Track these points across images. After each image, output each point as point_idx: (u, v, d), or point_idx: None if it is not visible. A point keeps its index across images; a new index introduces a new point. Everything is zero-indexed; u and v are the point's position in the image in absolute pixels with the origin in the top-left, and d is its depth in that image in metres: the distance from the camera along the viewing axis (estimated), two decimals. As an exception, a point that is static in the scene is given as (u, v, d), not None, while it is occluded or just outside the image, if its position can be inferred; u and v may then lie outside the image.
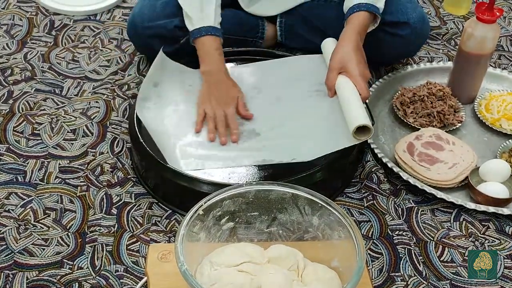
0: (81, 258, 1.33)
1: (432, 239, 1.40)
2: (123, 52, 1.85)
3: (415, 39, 1.72)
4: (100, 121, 1.64)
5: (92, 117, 1.65)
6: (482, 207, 1.43)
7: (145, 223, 1.40)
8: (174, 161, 1.44)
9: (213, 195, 1.10)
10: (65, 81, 1.76)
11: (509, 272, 1.35)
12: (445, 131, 1.60)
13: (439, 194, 1.45)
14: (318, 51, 1.67)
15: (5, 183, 1.48)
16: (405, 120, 1.64)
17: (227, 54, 1.72)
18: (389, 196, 1.49)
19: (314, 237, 1.14)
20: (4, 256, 1.32)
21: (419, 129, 1.60)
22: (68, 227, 1.39)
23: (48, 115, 1.65)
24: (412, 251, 1.38)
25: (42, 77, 1.76)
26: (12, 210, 1.42)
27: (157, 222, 1.41)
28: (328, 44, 1.62)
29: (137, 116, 1.51)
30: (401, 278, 1.33)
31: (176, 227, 1.39)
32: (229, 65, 1.70)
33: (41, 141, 1.58)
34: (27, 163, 1.52)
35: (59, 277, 1.29)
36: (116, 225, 1.40)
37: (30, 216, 1.40)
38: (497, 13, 1.57)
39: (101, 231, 1.38)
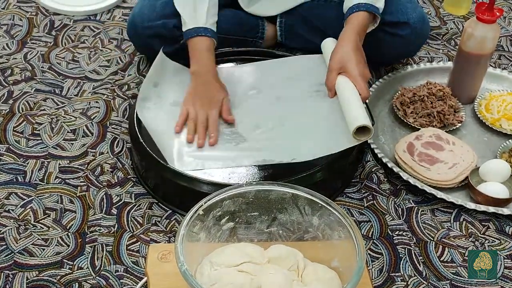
0: (81, 258, 1.33)
1: (432, 239, 1.40)
2: (123, 52, 1.85)
3: (415, 39, 1.72)
4: (100, 121, 1.64)
5: (92, 117, 1.65)
6: (482, 207, 1.43)
7: (145, 223, 1.40)
8: (174, 161, 1.44)
9: (213, 195, 1.10)
10: (65, 81, 1.76)
11: (509, 272, 1.35)
12: (445, 131, 1.60)
13: (439, 194, 1.45)
14: (318, 51, 1.67)
15: (5, 183, 1.48)
16: (405, 120, 1.64)
17: (227, 54, 1.72)
18: (389, 196, 1.49)
19: (314, 237, 1.14)
20: (4, 256, 1.32)
21: (419, 129, 1.60)
22: (68, 227, 1.39)
23: (48, 115, 1.65)
24: (412, 251, 1.38)
25: (42, 77, 1.76)
26: (12, 210, 1.42)
27: (157, 222, 1.41)
28: (328, 44, 1.62)
29: (137, 116, 1.51)
30: (401, 278, 1.32)
31: (176, 227, 1.39)
32: (229, 65, 1.70)
33: (41, 141, 1.58)
34: (27, 163, 1.52)
35: (59, 277, 1.29)
36: (116, 225, 1.40)
37: (30, 216, 1.40)
38: (497, 13, 1.57)
39: (101, 231, 1.38)
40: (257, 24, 1.82)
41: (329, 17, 1.74)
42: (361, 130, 1.39)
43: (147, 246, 1.35)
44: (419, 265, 1.35)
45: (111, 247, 1.35)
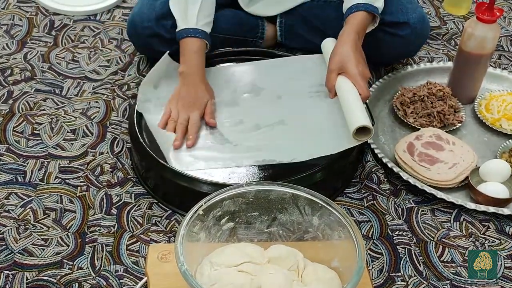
0: (81, 258, 1.33)
1: (432, 239, 1.40)
2: (123, 52, 1.85)
3: (415, 39, 1.72)
4: (100, 121, 1.64)
5: (92, 117, 1.65)
6: (482, 207, 1.43)
7: (145, 223, 1.40)
8: (174, 161, 1.44)
9: (213, 195, 1.10)
10: (65, 81, 1.76)
11: (509, 272, 1.35)
12: (445, 131, 1.60)
13: (439, 194, 1.45)
14: (318, 51, 1.67)
15: (5, 183, 1.48)
16: (405, 120, 1.64)
17: (227, 54, 1.72)
18: (389, 196, 1.49)
19: (314, 237, 1.14)
20: (4, 256, 1.32)
21: (419, 129, 1.60)
22: (68, 227, 1.39)
23: (48, 115, 1.65)
24: (412, 251, 1.37)
25: (42, 77, 1.76)
26: (12, 210, 1.41)
27: (157, 222, 1.41)
28: (328, 44, 1.62)
29: (137, 116, 1.51)
30: (401, 278, 1.32)
31: (176, 227, 1.39)
32: (229, 65, 1.70)
33: (41, 141, 1.58)
34: (27, 163, 1.52)
35: (59, 277, 1.29)
36: (116, 225, 1.40)
37: (30, 216, 1.40)
38: (497, 13, 1.57)
39: (101, 231, 1.38)
40: (257, 24, 1.82)
41: (329, 17, 1.74)
42: (361, 130, 1.39)
43: (147, 246, 1.35)
44: (419, 265, 1.35)
45: (111, 247, 1.35)
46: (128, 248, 1.35)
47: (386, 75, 1.75)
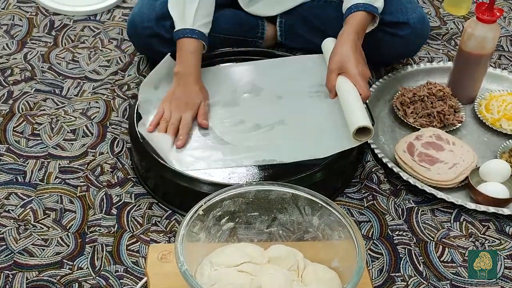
0: (81, 259, 1.33)
1: (432, 239, 1.40)
2: (123, 52, 1.85)
3: (415, 39, 1.72)
4: (100, 121, 1.64)
5: (92, 117, 1.65)
6: (482, 207, 1.43)
7: (145, 223, 1.40)
8: (174, 161, 1.44)
9: (213, 195, 1.10)
10: (65, 81, 1.76)
11: (509, 272, 1.34)
12: (445, 131, 1.60)
13: (439, 194, 1.45)
14: (318, 51, 1.67)
15: (5, 183, 1.48)
16: (405, 120, 1.64)
17: (227, 54, 1.72)
18: (389, 196, 1.49)
19: (314, 237, 1.14)
20: (4, 257, 1.32)
21: (419, 129, 1.60)
22: (68, 227, 1.39)
23: (48, 115, 1.65)
24: (412, 251, 1.37)
25: (42, 77, 1.76)
26: (12, 210, 1.41)
27: (157, 222, 1.41)
28: (328, 44, 1.62)
29: (137, 116, 1.51)
30: (401, 278, 1.32)
31: (176, 227, 1.39)
32: (229, 65, 1.70)
33: (41, 141, 1.58)
34: (27, 163, 1.52)
35: (59, 277, 1.29)
36: (116, 225, 1.40)
37: (30, 216, 1.40)
38: (497, 13, 1.57)
39: (101, 231, 1.38)
40: (257, 24, 1.82)
41: (329, 17, 1.74)
42: (362, 130, 1.39)
43: (147, 246, 1.35)
44: (419, 265, 1.35)
45: (111, 247, 1.35)
46: (128, 248, 1.35)
47: (386, 75, 1.75)
